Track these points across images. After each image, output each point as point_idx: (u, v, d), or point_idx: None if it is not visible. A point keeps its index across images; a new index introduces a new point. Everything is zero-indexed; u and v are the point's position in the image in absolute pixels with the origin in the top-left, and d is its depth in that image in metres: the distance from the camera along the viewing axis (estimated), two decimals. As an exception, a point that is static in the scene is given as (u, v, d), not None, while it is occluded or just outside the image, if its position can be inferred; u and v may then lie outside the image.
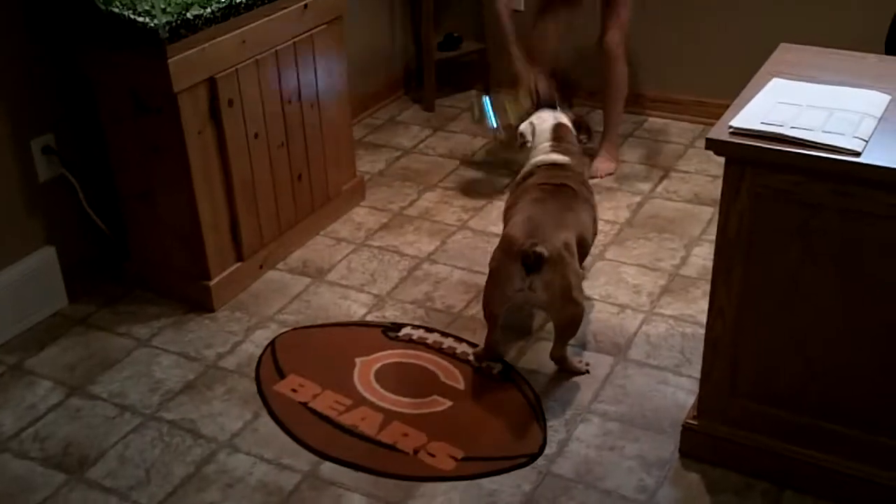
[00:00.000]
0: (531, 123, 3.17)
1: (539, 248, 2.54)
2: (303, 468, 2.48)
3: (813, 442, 2.29)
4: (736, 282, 2.20)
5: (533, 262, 2.55)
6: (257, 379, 2.81)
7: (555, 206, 2.77)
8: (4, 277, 2.97)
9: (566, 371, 2.79)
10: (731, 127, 2.09)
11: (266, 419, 2.66)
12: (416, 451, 2.51)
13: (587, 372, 2.79)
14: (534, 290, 2.60)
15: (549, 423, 2.61)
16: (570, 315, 2.68)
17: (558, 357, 2.79)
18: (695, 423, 2.43)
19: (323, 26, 3.32)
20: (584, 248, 2.82)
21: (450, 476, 2.43)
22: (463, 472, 2.44)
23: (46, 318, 3.11)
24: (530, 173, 2.98)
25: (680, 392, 2.70)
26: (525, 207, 2.78)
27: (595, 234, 2.96)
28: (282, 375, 2.81)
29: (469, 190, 3.86)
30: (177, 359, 2.92)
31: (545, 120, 3.15)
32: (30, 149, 2.99)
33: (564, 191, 2.84)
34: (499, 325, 2.78)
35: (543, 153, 3.03)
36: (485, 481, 2.42)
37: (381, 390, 2.73)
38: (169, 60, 2.74)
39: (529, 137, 3.14)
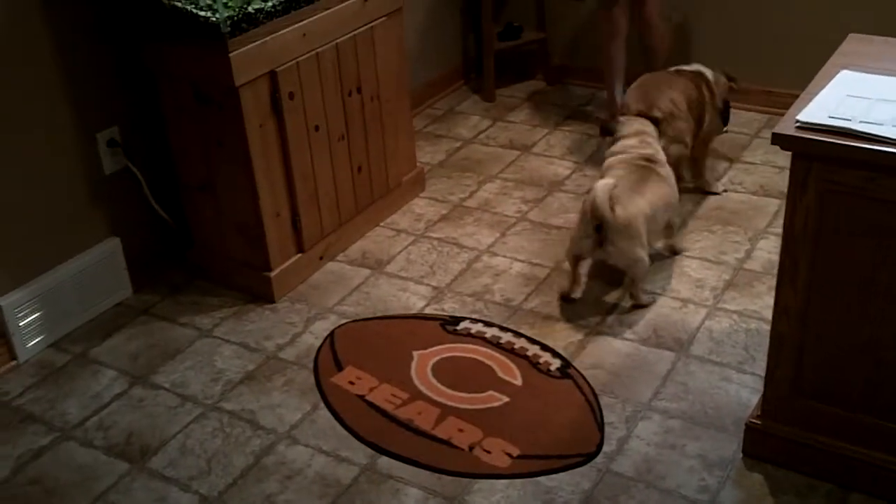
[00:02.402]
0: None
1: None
2: (360, 461, 2.49)
3: (882, 444, 2.22)
4: (802, 279, 2.15)
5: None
6: (315, 371, 2.83)
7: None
8: (71, 268, 3.02)
9: None
10: (797, 121, 2.04)
11: (324, 411, 2.67)
12: (471, 448, 2.50)
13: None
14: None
15: (608, 420, 2.58)
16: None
17: None
18: (758, 422, 2.38)
19: (383, 18, 3.31)
20: None
21: (505, 474, 2.42)
22: (518, 469, 2.43)
23: (111, 307, 3.16)
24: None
25: (743, 390, 2.65)
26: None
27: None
28: (340, 367, 2.82)
29: (529, 181, 3.83)
30: (237, 349, 2.95)
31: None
32: (96, 142, 3.04)
33: None
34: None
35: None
36: (543, 479, 2.40)
37: (438, 385, 2.72)
38: (230, 54, 2.75)
39: None
